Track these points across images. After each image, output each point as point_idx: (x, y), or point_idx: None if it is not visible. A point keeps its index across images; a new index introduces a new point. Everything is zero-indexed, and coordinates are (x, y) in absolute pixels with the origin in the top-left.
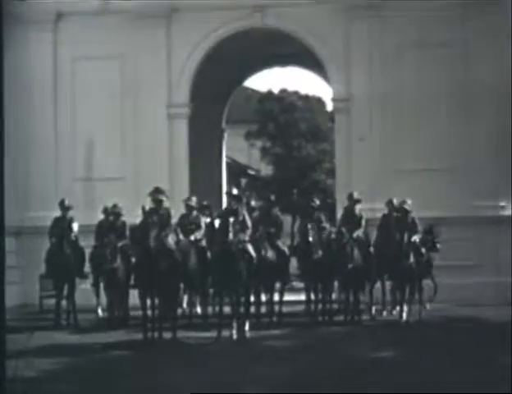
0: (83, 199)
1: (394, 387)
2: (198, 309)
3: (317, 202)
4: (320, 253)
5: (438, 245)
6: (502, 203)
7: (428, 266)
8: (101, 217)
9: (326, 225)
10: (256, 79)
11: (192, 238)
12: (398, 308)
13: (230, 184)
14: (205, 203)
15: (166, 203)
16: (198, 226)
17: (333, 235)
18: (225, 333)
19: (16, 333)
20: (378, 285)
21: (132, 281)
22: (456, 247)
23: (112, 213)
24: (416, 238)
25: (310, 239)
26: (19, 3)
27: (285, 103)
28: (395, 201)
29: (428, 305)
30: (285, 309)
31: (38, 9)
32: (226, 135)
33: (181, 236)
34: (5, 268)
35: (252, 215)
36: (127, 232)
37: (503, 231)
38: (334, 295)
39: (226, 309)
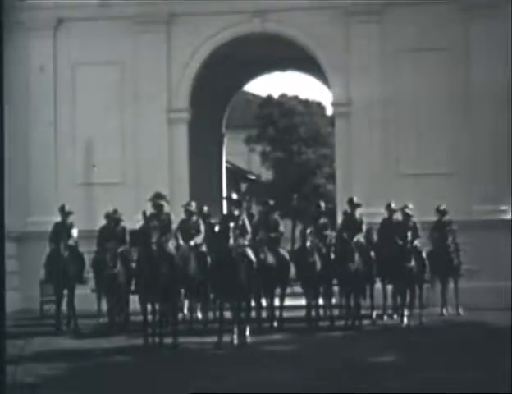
0: (83, 204)
1: (395, 392)
2: (199, 315)
3: (323, 207)
4: (317, 259)
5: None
6: (503, 207)
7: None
8: (102, 222)
9: (328, 232)
10: (256, 83)
11: (192, 243)
12: (399, 312)
13: (230, 189)
14: (205, 208)
15: (166, 208)
16: (198, 231)
17: (333, 240)
18: (226, 338)
19: (17, 339)
20: (379, 289)
21: (133, 287)
22: None
23: (112, 218)
24: (417, 242)
25: (308, 244)
26: (20, 10)
27: (284, 107)
28: (394, 205)
29: (461, 311)
30: (285, 314)
31: (39, 15)
32: (225, 139)
33: (181, 241)
34: (5, 274)
35: (252, 220)
36: (127, 237)
37: (503, 235)
38: (334, 300)
39: (227, 314)
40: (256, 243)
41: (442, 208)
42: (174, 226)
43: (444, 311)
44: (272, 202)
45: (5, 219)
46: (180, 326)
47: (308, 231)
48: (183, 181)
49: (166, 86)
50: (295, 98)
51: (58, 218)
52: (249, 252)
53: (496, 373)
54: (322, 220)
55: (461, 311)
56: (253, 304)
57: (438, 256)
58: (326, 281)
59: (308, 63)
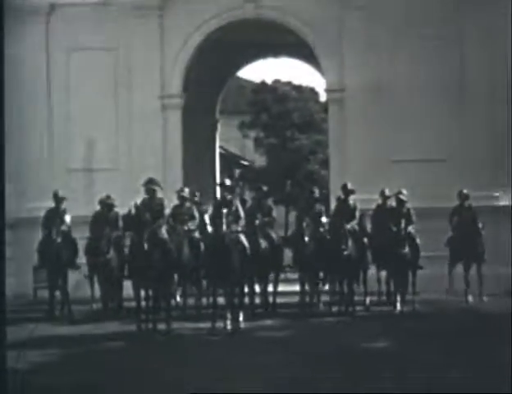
0: (77, 190)
1: (388, 378)
2: (192, 300)
3: (317, 193)
4: (313, 246)
5: None
6: (497, 194)
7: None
8: (96, 208)
9: (323, 218)
10: (249, 69)
11: (185, 228)
12: (392, 298)
13: (223, 174)
14: (197, 194)
15: (159, 194)
16: (192, 217)
17: (327, 227)
18: (219, 324)
19: (11, 325)
20: (373, 276)
21: (126, 272)
22: None
23: (106, 204)
24: (411, 228)
25: (306, 238)
26: None
27: (278, 93)
28: (388, 191)
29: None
30: (279, 300)
31: (32, 1)
32: (219, 125)
33: (174, 227)
34: (5, 260)
35: (245, 206)
36: (120, 223)
37: (501, 221)
38: (328, 286)
39: (220, 300)
40: (249, 229)
41: (465, 191)
42: (167, 211)
43: (469, 298)
44: (265, 188)
45: (5, 206)
46: (174, 312)
47: (305, 224)
48: (176, 167)
49: (159, 72)
50: (289, 83)
51: (52, 204)
52: (242, 238)
53: (490, 360)
54: (318, 207)
55: (470, 298)
56: (246, 289)
57: (460, 241)
58: (322, 267)
59: (301, 49)
